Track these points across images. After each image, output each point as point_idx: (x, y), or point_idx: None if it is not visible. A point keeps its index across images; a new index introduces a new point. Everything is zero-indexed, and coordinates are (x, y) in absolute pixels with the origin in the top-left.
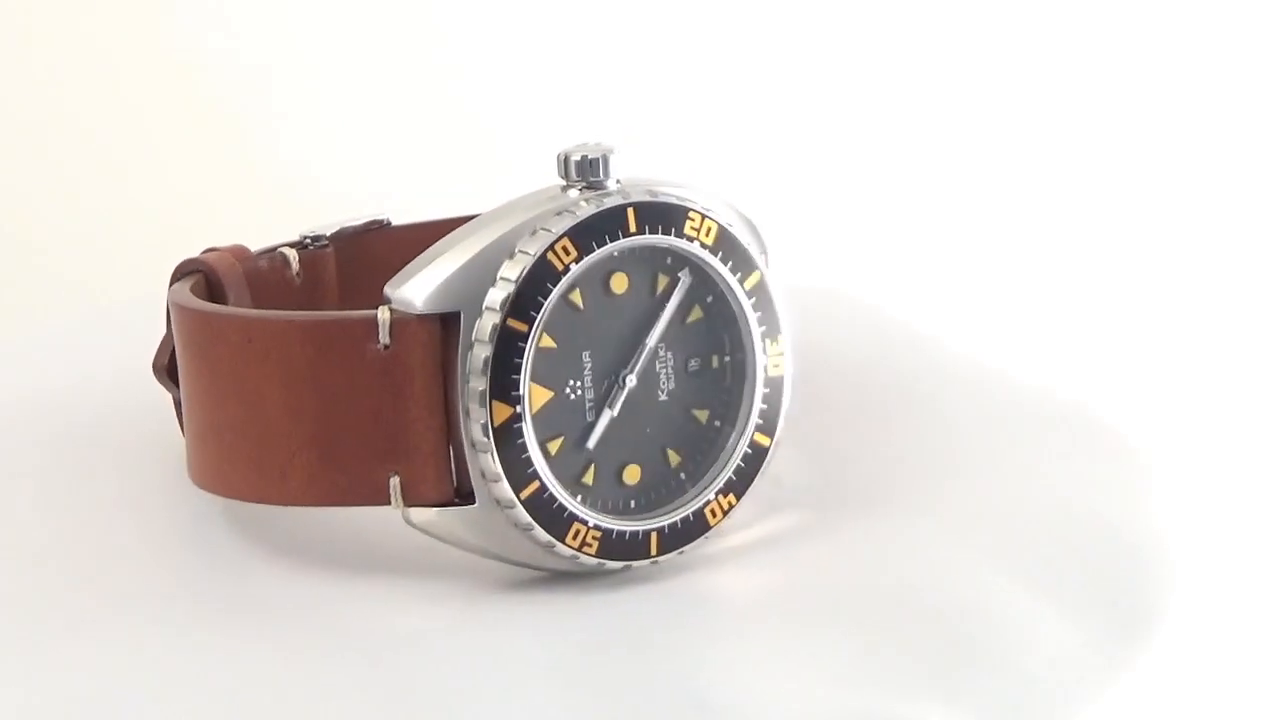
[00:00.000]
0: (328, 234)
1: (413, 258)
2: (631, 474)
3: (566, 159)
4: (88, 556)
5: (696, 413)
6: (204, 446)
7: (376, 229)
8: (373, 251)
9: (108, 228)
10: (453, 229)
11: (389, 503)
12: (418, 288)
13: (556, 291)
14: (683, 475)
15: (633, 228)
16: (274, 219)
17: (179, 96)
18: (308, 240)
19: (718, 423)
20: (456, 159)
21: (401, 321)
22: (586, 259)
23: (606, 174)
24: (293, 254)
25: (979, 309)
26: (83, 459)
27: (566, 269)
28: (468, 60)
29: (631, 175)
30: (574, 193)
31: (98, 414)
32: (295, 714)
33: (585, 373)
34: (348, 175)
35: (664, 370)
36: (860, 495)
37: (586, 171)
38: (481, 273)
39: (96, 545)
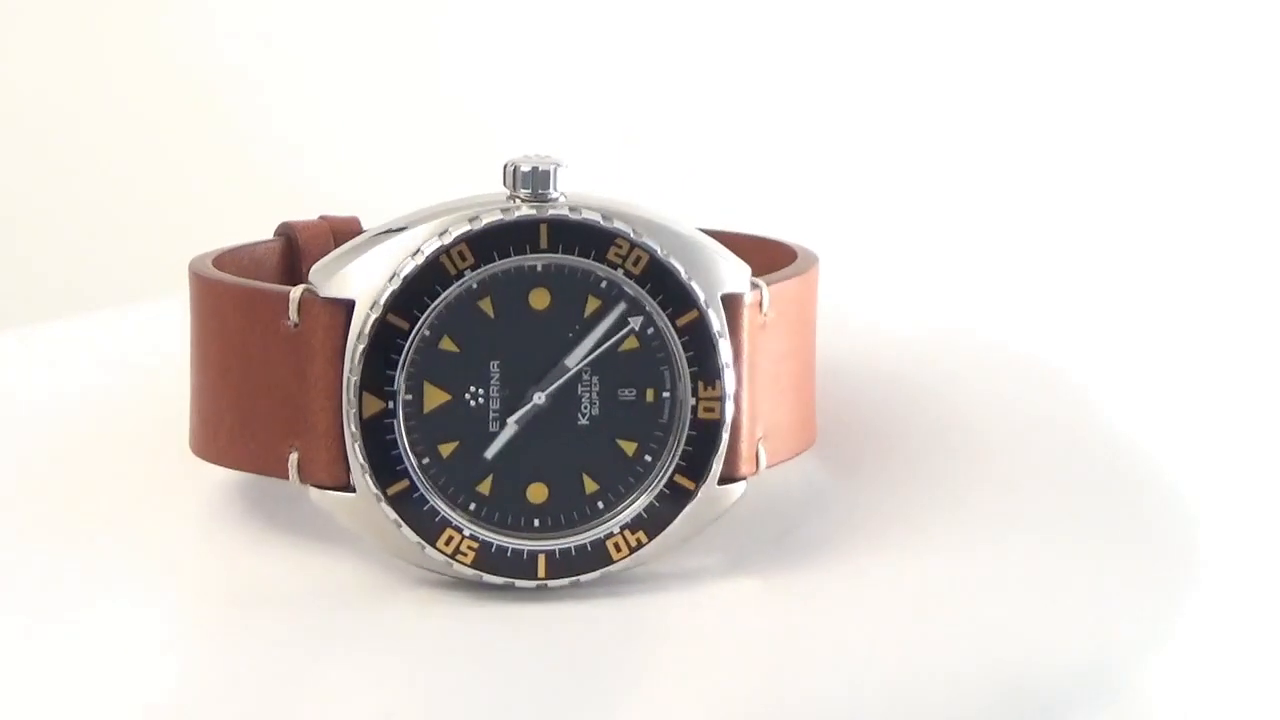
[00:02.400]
0: None
1: None
2: (537, 492)
3: (514, 169)
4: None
5: (622, 443)
6: (190, 409)
7: None
8: None
9: (106, 225)
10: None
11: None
12: (325, 272)
13: (449, 295)
14: (600, 504)
15: (544, 244)
16: (273, 217)
17: (179, 95)
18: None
19: (648, 458)
20: (457, 157)
21: (308, 302)
22: (487, 268)
23: (549, 187)
24: None
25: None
26: (93, 452)
27: (461, 274)
28: (468, 60)
29: (583, 192)
30: (514, 202)
31: (110, 406)
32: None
33: (492, 382)
34: (348, 174)
35: (587, 395)
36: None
37: (527, 183)
38: (383, 266)
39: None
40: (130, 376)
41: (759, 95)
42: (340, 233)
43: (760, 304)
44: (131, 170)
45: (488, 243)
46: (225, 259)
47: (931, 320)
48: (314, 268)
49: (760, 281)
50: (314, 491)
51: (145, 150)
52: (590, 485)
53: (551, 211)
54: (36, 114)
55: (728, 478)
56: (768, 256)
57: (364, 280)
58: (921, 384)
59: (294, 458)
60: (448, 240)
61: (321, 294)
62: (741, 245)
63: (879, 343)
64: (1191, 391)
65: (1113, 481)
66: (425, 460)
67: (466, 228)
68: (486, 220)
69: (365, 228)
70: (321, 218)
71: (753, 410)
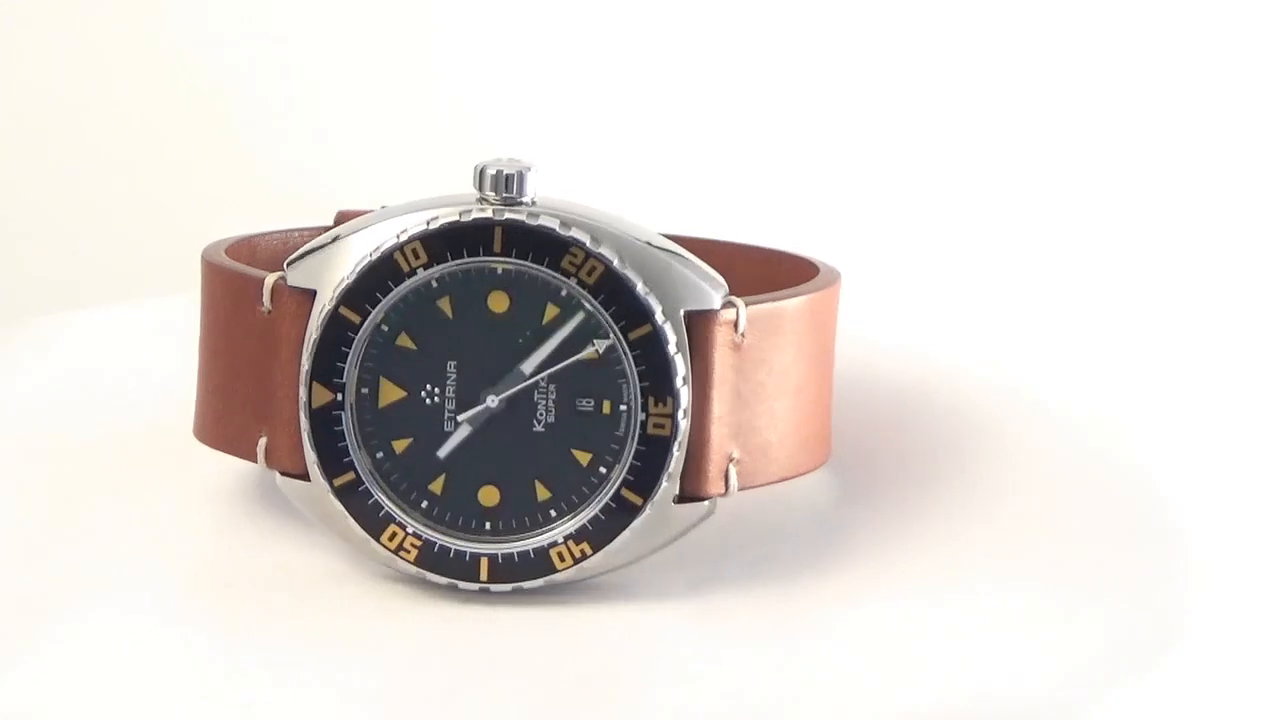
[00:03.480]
0: None
1: None
2: (488, 495)
3: (482, 171)
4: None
5: (577, 453)
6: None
7: None
8: None
9: (105, 222)
10: (713, 247)
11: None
12: (297, 260)
13: (401, 291)
14: (552, 512)
15: (497, 248)
16: (269, 215)
17: (179, 93)
18: None
19: (602, 469)
20: (456, 157)
21: (279, 289)
22: (441, 267)
23: (519, 191)
24: None
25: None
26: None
27: (413, 271)
28: (470, 59)
29: (556, 198)
30: (481, 204)
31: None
32: None
33: (448, 382)
34: (361, 171)
35: (544, 402)
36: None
37: (495, 186)
38: (345, 258)
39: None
40: (149, 366)
41: (783, 105)
42: None
43: (736, 323)
44: (139, 169)
45: (442, 243)
46: (260, 243)
47: (958, 338)
48: (291, 256)
49: (737, 300)
50: (278, 477)
51: (148, 148)
52: (543, 493)
53: (508, 215)
54: (36, 114)
55: (691, 496)
56: (788, 272)
57: (326, 271)
58: (944, 406)
59: (263, 442)
60: (402, 238)
61: (289, 282)
62: (762, 260)
63: (906, 360)
64: (1212, 423)
65: (1117, 532)
66: (380, 455)
67: (422, 227)
68: (441, 221)
69: None
70: (384, 209)
71: (725, 430)
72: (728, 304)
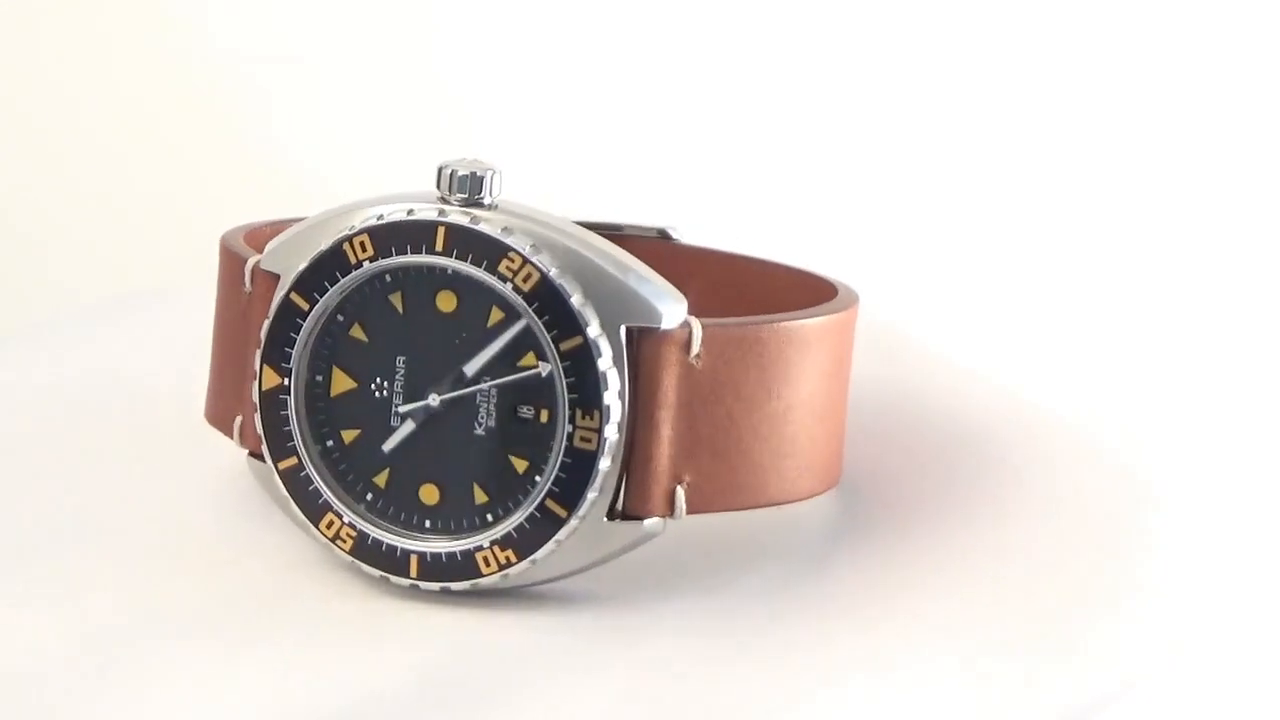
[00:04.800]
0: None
1: (673, 280)
2: (429, 494)
3: (440, 171)
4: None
5: (514, 460)
6: None
7: (648, 238)
8: None
9: (103, 219)
10: (735, 262)
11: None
12: (272, 244)
13: (349, 282)
14: (489, 516)
15: (439, 247)
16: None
17: (205, 92)
18: None
19: (537, 478)
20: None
21: (256, 272)
22: (385, 261)
23: (474, 192)
24: None
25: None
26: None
27: (360, 264)
28: (470, 60)
29: (521, 202)
30: (442, 203)
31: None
32: None
33: (397, 376)
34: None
35: (485, 406)
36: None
37: (458, 187)
38: (306, 245)
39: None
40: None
41: (787, 110)
42: None
43: (688, 343)
44: (144, 168)
45: (387, 238)
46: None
47: (980, 361)
48: (271, 240)
49: (694, 321)
50: (246, 456)
51: (153, 146)
52: (480, 496)
53: (452, 216)
54: (54, 112)
55: (634, 515)
56: (806, 293)
57: (291, 257)
58: (960, 432)
59: (238, 421)
60: (352, 230)
61: (262, 265)
62: (780, 278)
63: (926, 383)
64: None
65: (1109, 591)
66: (330, 443)
67: (371, 221)
68: (390, 217)
69: None
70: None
71: (675, 452)
72: (683, 324)
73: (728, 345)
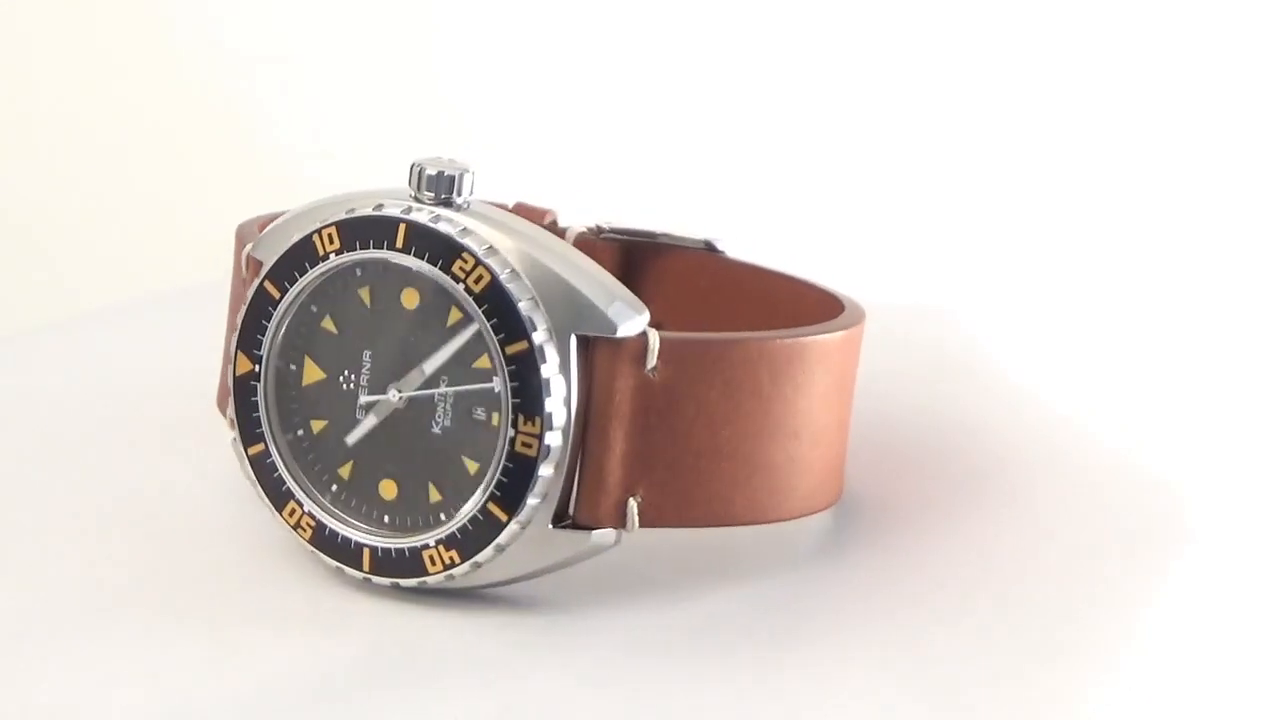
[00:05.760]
0: (612, 229)
1: (704, 293)
2: (387, 489)
3: (414, 170)
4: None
5: (467, 461)
6: None
7: (691, 249)
8: (663, 269)
9: (104, 219)
10: (776, 280)
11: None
12: (263, 233)
13: (317, 274)
14: (442, 516)
15: (399, 244)
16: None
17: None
18: (601, 227)
19: (486, 480)
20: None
21: (249, 258)
22: (350, 255)
23: (442, 191)
24: (571, 231)
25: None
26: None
27: (327, 255)
28: (472, 58)
29: (486, 205)
30: (413, 201)
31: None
32: None
33: (363, 370)
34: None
35: (442, 405)
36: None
37: (421, 185)
38: (283, 236)
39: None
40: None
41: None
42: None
43: (644, 355)
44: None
45: (352, 232)
46: None
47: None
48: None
49: (653, 332)
50: (232, 440)
51: (167, 150)
52: (435, 495)
53: (413, 214)
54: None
55: (586, 525)
56: (827, 312)
57: (271, 246)
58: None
59: (231, 406)
60: (323, 223)
61: (251, 253)
62: (809, 297)
63: (936, 400)
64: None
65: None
66: (300, 432)
67: (340, 215)
68: (357, 212)
69: (560, 221)
70: (517, 204)
71: (629, 464)
72: (640, 335)
73: (689, 360)
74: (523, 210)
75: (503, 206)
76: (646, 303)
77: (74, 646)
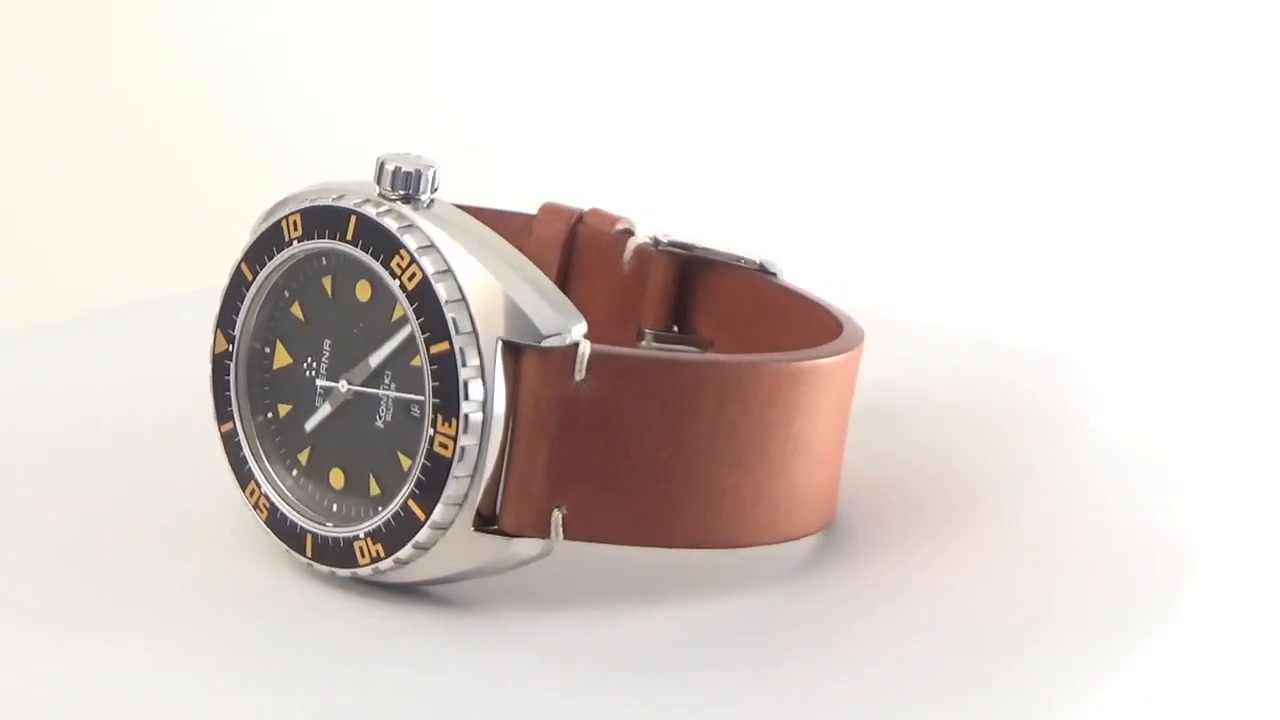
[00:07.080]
0: (671, 241)
1: (748, 314)
2: (336, 478)
3: (380, 165)
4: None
5: (402, 457)
6: None
7: (745, 269)
8: (715, 287)
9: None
10: (812, 308)
11: None
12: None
13: (282, 258)
14: (379, 508)
15: (349, 235)
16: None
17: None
18: (659, 240)
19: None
20: (458, 154)
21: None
22: (310, 243)
23: (403, 187)
24: (632, 243)
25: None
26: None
27: (291, 242)
28: (472, 58)
29: (448, 205)
30: (376, 195)
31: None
32: None
33: (323, 358)
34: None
35: (385, 400)
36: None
37: (382, 179)
38: (265, 219)
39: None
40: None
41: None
42: (585, 226)
43: (572, 366)
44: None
45: (311, 221)
46: None
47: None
48: None
49: (584, 344)
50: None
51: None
52: (374, 488)
53: (364, 207)
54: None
55: (507, 531)
56: (815, 328)
57: (257, 228)
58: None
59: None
60: (290, 210)
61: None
62: (829, 324)
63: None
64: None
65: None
66: (269, 415)
67: (305, 204)
68: (319, 202)
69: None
70: (592, 210)
71: (553, 475)
72: (570, 345)
73: (623, 375)
74: (549, 211)
75: (501, 208)
76: (694, 318)
77: (74, 646)
